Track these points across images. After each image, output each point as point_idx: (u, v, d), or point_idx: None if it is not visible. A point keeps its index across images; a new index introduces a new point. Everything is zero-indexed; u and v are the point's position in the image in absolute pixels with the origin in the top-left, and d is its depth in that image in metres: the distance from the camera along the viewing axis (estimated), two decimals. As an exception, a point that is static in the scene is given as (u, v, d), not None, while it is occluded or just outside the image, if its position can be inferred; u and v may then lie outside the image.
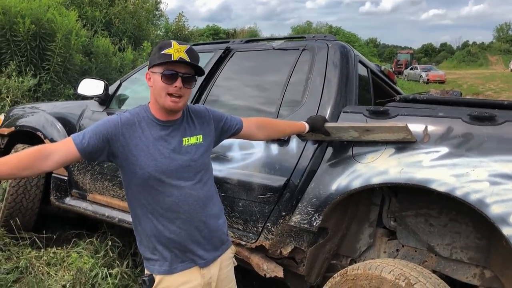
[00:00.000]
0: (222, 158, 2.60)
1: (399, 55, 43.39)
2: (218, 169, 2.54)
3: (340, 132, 2.22)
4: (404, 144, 2.06)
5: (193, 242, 1.76)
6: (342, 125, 2.21)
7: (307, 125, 2.23)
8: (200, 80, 2.99)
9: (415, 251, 2.29)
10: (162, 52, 1.65)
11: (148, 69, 1.72)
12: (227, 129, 1.97)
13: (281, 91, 2.64)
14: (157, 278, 1.75)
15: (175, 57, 1.63)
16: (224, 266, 1.90)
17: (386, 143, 2.12)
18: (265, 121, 2.18)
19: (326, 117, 2.35)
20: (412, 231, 2.26)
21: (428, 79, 29.82)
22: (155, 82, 1.68)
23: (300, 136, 2.35)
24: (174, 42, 1.67)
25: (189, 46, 1.70)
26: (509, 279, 1.94)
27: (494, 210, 1.74)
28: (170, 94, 1.66)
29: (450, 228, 2.15)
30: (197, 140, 1.79)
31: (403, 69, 36.86)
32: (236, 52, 3.07)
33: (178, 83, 1.65)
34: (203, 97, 2.94)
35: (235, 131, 2.01)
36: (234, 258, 2.02)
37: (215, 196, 1.89)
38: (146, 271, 1.81)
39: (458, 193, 1.83)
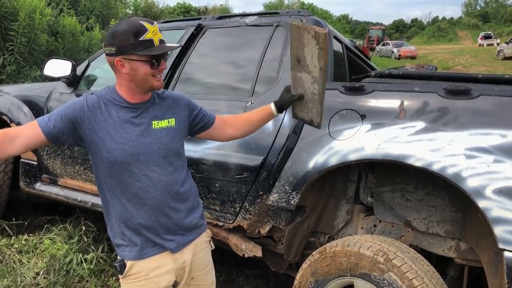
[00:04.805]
0: (197, 139, 2.54)
1: (370, 31, 43.56)
2: (193, 150, 2.49)
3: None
4: (381, 120, 2.05)
5: (162, 227, 1.71)
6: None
7: (272, 105, 1.97)
8: (171, 58, 2.91)
9: (392, 226, 2.31)
10: (141, 39, 1.54)
11: (118, 55, 1.57)
12: (200, 119, 1.89)
13: (255, 68, 2.59)
14: (128, 263, 1.71)
15: (156, 42, 1.58)
16: (198, 250, 1.85)
17: (362, 119, 2.10)
18: (231, 117, 2.06)
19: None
20: (389, 207, 2.27)
21: (399, 55, 30.15)
22: (137, 69, 1.58)
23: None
24: (146, 24, 1.56)
25: (156, 23, 1.61)
26: (484, 250, 1.97)
27: (470, 184, 1.75)
28: (154, 75, 1.63)
29: (426, 202, 2.17)
30: (168, 123, 1.73)
31: (375, 45, 37.09)
32: (209, 29, 2.98)
33: (163, 65, 1.64)
34: (175, 75, 2.86)
35: (207, 122, 1.92)
36: (211, 242, 1.98)
37: (188, 181, 1.82)
38: (118, 257, 1.77)
39: (435, 167, 1.83)
